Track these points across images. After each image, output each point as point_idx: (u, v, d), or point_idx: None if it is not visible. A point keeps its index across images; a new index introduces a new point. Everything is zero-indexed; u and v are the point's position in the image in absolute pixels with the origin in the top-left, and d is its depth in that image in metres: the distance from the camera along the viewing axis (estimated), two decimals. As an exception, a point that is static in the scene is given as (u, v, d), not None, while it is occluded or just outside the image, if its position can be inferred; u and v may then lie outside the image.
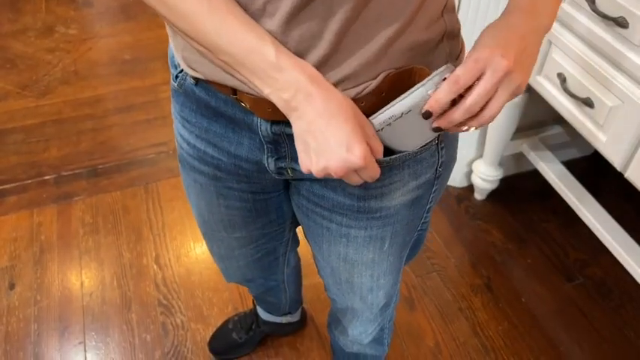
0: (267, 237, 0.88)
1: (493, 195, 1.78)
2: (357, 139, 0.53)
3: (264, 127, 0.62)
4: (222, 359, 1.38)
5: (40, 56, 2.40)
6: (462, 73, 0.53)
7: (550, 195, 1.66)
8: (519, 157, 1.75)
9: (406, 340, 1.43)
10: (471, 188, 1.80)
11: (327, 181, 0.67)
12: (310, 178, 0.68)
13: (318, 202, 0.70)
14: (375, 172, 0.55)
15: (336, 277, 0.83)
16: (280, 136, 0.63)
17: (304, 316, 1.45)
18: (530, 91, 1.41)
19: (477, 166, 1.72)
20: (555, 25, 1.22)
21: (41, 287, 1.53)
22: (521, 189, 1.83)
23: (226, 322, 1.40)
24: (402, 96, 0.56)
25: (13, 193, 1.79)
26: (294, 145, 0.61)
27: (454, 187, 1.83)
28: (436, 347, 1.41)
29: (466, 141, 1.72)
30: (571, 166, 1.59)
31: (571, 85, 1.19)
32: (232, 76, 0.55)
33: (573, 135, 1.72)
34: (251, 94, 0.58)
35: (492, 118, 0.57)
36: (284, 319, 1.34)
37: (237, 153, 0.68)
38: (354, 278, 0.80)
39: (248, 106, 0.61)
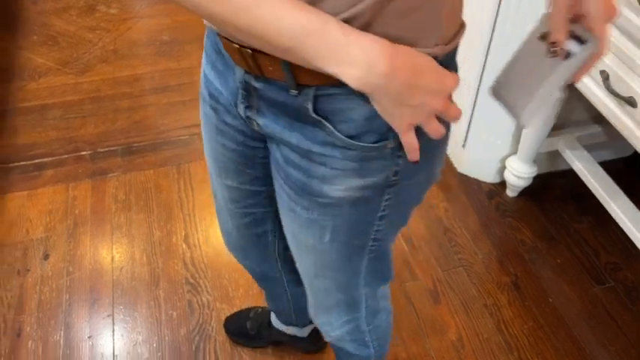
0: (254, 198, 0.88)
1: (525, 192, 1.76)
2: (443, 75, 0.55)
3: (238, 73, 0.64)
4: (235, 340, 1.39)
5: (81, 34, 2.45)
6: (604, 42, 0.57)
7: (584, 195, 1.63)
8: (555, 155, 1.71)
9: (429, 333, 1.42)
10: (503, 184, 1.78)
11: (284, 149, 0.66)
12: (276, 141, 0.68)
13: (277, 168, 0.71)
14: (457, 111, 0.58)
15: (291, 248, 0.83)
16: (249, 85, 0.63)
17: (318, 338, 1.32)
18: (570, 88, 1.38)
19: (511, 163, 1.69)
20: (601, 21, 1.19)
21: (74, 259, 1.57)
22: (555, 188, 1.79)
23: (248, 310, 1.41)
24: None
25: (50, 166, 1.84)
26: (261, 100, 0.63)
27: (485, 183, 1.80)
28: (459, 341, 1.41)
29: (500, 136, 1.69)
30: (608, 166, 1.56)
31: (614, 83, 1.16)
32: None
33: (612, 135, 1.68)
34: (227, 40, 0.61)
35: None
36: (289, 330, 1.31)
37: (230, 89, 0.69)
38: (302, 259, 0.82)
39: (224, 50, 0.64)
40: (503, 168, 1.74)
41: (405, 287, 1.52)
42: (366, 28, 0.51)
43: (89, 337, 1.40)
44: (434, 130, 0.58)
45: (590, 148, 1.61)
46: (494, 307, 1.48)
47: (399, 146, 0.61)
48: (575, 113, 1.64)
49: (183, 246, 1.61)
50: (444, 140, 0.67)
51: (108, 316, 1.45)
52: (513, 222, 1.70)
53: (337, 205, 0.67)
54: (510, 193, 1.76)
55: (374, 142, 0.60)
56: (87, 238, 1.62)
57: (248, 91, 0.64)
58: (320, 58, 0.50)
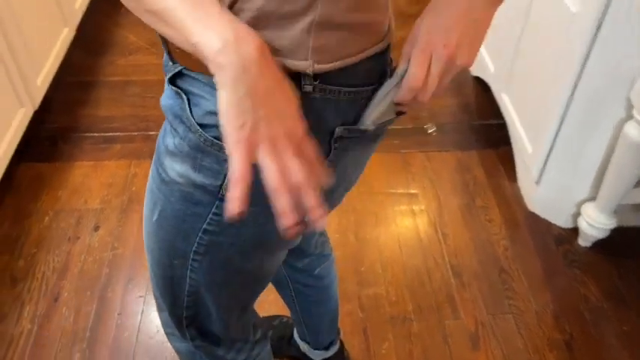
0: None
1: (599, 244, 1.58)
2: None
3: None
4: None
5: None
6: (415, 72, 0.58)
7: (668, 259, 1.43)
8: (639, 209, 1.53)
9: (460, 379, 1.31)
10: (575, 231, 1.61)
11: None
12: None
13: None
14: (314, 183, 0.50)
15: None
16: None
17: None
18: (665, 138, 1.21)
19: (587, 210, 1.53)
20: None
21: (121, 236, 1.60)
22: (635, 245, 1.60)
23: (274, 318, 1.37)
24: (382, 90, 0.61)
25: (119, 141, 1.90)
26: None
27: (556, 226, 1.64)
28: (491, 396, 1.28)
29: (579, 178, 1.53)
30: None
31: None
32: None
33: None
34: None
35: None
36: (303, 346, 1.26)
37: None
38: (144, 226, 0.75)
39: None
40: (578, 214, 1.58)
41: (443, 324, 1.41)
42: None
43: (118, 315, 1.42)
44: (276, 174, 0.47)
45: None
46: (539, 366, 1.34)
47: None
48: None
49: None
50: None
51: (140, 297, 1.46)
52: (580, 275, 1.53)
53: (170, 189, 0.63)
54: (582, 242, 1.59)
55: (213, 137, 0.57)
56: (137, 216, 1.65)
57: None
58: (190, 20, 0.46)
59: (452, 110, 2.06)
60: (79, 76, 2.16)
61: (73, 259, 1.54)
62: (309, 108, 0.54)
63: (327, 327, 1.22)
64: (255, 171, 0.57)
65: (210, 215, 0.63)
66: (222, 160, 0.58)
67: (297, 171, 0.48)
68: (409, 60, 0.59)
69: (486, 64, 1.95)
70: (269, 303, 1.45)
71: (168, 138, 0.63)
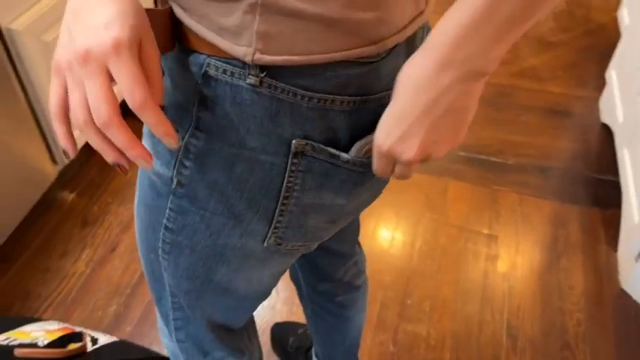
0: None
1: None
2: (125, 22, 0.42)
3: None
4: (274, 347, 1.33)
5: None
6: (378, 171, 0.52)
7: None
8: None
9: None
10: (671, 325, 1.36)
11: None
12: None
13: None
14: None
15: None
16: None
17: None
18: None
19: (690, 305, 1.27)
20: None
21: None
22: None
23: (299, 326, 1.32)
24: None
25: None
26: None
27: (635, 301, 1.40)
28: None
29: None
30: None
31: None
32: None
33: None
34: None
35: None
36: None
37: None
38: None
39: None
40: (678, 306, 1.32)
41: (479, 387, 1.27)
42: None
43: (161, 280, 1.47)
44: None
45: None
46: None
47: (187, 151, 0.52)
48: None
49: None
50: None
51: (185, 268, 1.49)
52: (662, 379, 1.29)
53: (141, 172, 0.61)
54: (676, 341, 1.34)
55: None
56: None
57: None
58: None
59: (566, 155, 1.84)
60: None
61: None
62: (256, 104, 0.47)
63: (341, 356, 1.14)
64: (206, 171, 0.52)
65: (167, 210, 0.58)
66: (170, 155, 0.54)
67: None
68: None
69: (617, 112, 1.71)
70: (297, 305, 1.40)
71: None
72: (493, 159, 1.83)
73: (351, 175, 0.55)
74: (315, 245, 0.64)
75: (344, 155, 0.52)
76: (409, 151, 0.48)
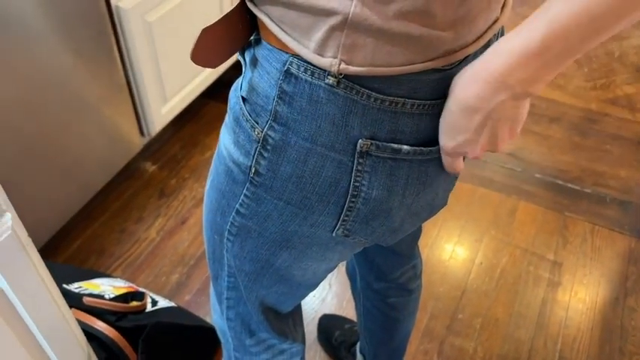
0: None
1: None
2: None
3: None
4: (319, 338, 1.36)
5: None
6: (449, 168, 0.56)
7: None
8: None
9: None
10: None
11: None
12: None
13: None
14: None
15: None
16: None
17: None
18: None
19: None
20: None
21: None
22: None
23: (347, 321, 1.34)
24: None
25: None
26: None
27: None
28: None
29: None
30: None
31: None
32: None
33: None
34: None
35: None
36: (360, 358, 1.20)
37: None
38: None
39: None
40: None
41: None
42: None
43: (223, 257, 1.54)
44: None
45: None
46: None
47: (265, 142, 0.55)
48: None
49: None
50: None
51: (247, 249, 1.55)
52: None
53: (220, 160, 0.63)
54: None
55: (249, 112, 0.56)
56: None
57: None
58: None
59: (651, 190, 1.75)
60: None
61: (211, 195, 1.69)
62: (331, 103, 0.50)
63: (386, 357, 1.15)
64: (282, 163, 0.55)
65: (242, 197, 0.61)
66: (252, 139, 0.56)
67: None
68: None
69: None
70: (347, 301, 1.43)
71: (231, 105, 0.63)
72: (570, 185, 1.76)
73: (413, 169, 0.55)
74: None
75: (405, 147, 0.53)
76: (472, 152, 0.53)
